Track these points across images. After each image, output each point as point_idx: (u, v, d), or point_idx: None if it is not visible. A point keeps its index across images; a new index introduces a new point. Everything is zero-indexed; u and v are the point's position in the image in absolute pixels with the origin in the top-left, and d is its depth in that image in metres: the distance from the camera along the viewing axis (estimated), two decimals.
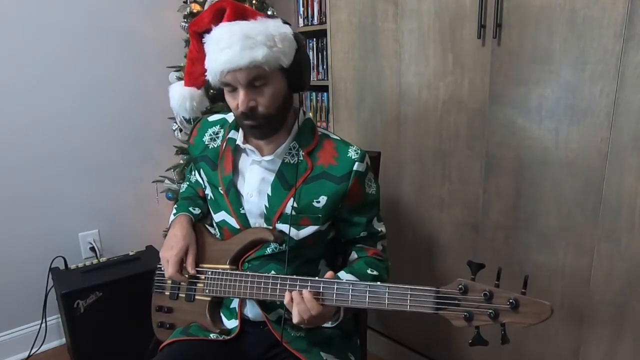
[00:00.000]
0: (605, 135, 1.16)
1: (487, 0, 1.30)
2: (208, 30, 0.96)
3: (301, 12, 2.40)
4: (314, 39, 2.37)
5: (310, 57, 2.40)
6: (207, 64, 0.96)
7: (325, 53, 2.27)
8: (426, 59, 1.50)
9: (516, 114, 1.32)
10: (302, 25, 2.41)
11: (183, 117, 1.79)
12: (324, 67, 2.36)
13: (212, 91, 1.58)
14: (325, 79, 2.33)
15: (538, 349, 1.41)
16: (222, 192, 1.08)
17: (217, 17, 0.97)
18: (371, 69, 1.69)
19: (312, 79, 2.39)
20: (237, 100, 0.95)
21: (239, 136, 1.07)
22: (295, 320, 0.90)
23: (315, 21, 2.34)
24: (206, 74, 0.98)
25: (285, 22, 0.98)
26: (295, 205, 1.02)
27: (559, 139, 1.25)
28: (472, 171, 1.47)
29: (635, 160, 1.12)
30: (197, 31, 1.00)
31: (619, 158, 1.15)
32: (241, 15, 0.95)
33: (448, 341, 1.67)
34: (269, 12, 1.92)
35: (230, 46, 0.91)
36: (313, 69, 2.43)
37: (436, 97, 1.50)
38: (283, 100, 0.99)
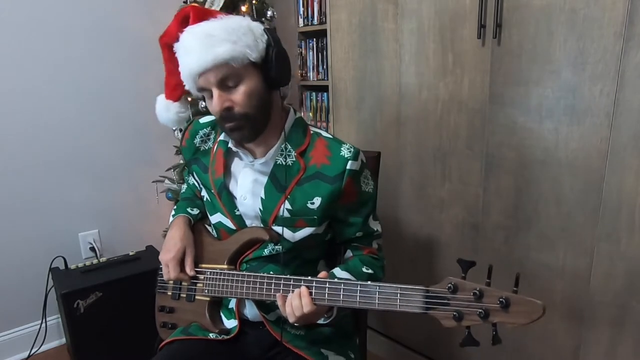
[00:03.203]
0: (605, 135, 1.16)
1: (487, 0, 1.30)
2: (178, 39, 0.95)
3: (301, 12, 2.40)
4: (314, 39, 2.38)
5: (310, 57, 2.42)
6: (181, 72, 0.96)
7: (325, 53, 2.27)
8: (426, 59, 1.50)
9: (516, 114, 1.32)
10: (302, 25, 2.41)
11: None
12: (324, 67, 2.36)
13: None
14: (325, 79, 2.33)
15: (538, 348, 1.41)
16: (214, 193, 1.08)
17: (184, 24, 0.95)
18: (371, 69, 1.69)
19: (312, 78, 2.44)
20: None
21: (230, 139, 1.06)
22: (290, 319, 0.90)
23: (315, 21, 2.34)
24: (184, 84, 0.97)
25: (255, 20, 0.97)
26: (289, 207, 1.01)
27: (559, 139, 1.25)
28: (472, 171, 1.46)
29: (635, 160, 1.12)
30: (169, 42, 0.98)
31: (619, 158, 1.15)
32: (204, 17, 0.94)
33: (448, 341, 1.67)
34: (269, 13, 1.92)
35: (193, 48, 0.90)
36: (313, 69, 2.42)
37: (436, 97, 1.50)
38: (261, 98, 0.95)
